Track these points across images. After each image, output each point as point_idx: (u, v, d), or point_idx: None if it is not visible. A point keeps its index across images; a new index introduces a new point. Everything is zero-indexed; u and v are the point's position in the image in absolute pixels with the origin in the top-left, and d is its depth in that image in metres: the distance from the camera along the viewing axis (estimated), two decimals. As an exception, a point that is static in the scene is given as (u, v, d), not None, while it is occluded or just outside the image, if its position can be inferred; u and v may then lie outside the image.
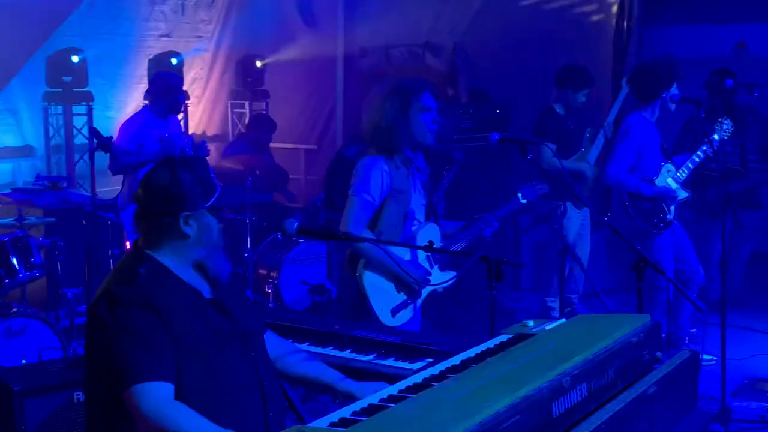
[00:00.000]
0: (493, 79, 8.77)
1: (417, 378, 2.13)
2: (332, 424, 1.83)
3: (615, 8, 8.20)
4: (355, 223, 3.66)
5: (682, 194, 5.47)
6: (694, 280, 5.57)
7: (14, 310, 4.87)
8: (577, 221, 6.37)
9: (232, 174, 6.71)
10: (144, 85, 8.78)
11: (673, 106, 5.47)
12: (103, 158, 5.78)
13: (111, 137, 5.59)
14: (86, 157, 7.19)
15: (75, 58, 8.13)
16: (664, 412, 2.18)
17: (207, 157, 6.14)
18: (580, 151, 6.34)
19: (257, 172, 6.72)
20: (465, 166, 5.15)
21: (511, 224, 7.70)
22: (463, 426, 1.62)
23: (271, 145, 8.32)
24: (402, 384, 2.09)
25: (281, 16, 9.66)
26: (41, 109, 8.37)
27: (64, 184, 7.30)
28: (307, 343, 3.17)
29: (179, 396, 2.31)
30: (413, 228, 3.86)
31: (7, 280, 4.96)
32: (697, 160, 5.48)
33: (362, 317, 3.73)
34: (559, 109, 6.34)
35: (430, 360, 2.87)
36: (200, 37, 9.64)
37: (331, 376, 2.69)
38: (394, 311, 3.77)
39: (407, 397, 1.98)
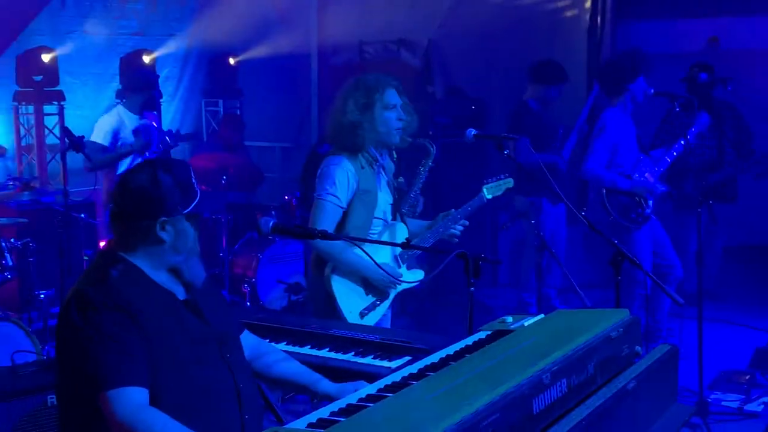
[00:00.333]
0: (468, 76, 8.78)
1: (395, 377, 2.10)
2: (310, 425, 1.80)
3: (588, 4, 8.23)
4: (323, 226, 3.54)
5: (660, 188, 5.49)
6: (672, 274, 5.60)
7: (-14, 312, 4.79)
8: (553, 216, 6.39)
9: (207, 173, 6.65)
10: (116, 84, 8.69)
11: (641, 99, 5.49)
12: (75, 158, 5.70)
13: (83, 136, 5.52)
14: (58, 157, 7.10)
15: (46, 57, 8.03)
16: (645, 406, 2.17)
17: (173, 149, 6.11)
18: (554, 147, 6.35)
19: (231, 171, 6.66)
20: (441, 163, 5.13)
21: (489, 221, 7.71)
22: (442, 425, 1.60)
23: (246, 143, 8.27)
24: (380, 383, 2.06)
25: (254, 13, 9.59)
26: (12, 108, 8.26)
27: (36, 185, 7.20)
28: (284, 343, 3.14)
29: (153, 399, 2.27)
30: (381, 228, 3.80)
31: (-23, 283, 4.88)
32: (675, 154, 5.50)
33: (331, 319, 3.69)
34: (533, 104, 6.35)
35: (409, 358, 2.85)
36: (173, 34, 9.55)
37: (309, 376, 2.66)
38: (363, 313, 3.73)
39: (386, 397, 1.96)
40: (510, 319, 2.43)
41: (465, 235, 4.23)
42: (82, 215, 6.08)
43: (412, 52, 9.19)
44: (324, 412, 1.90)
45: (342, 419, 1.78)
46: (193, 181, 2.48)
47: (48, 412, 3.35)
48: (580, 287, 4.82)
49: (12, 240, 5.51)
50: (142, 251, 2.42)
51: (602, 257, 7.70)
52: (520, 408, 1.77)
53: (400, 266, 3.88)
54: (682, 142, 5.43)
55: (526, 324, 2.37)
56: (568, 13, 8.50)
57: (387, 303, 3.85)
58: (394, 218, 3.90)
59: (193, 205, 2.43)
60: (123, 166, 5.89)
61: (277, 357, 2.77)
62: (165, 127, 8.96)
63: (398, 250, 3.85)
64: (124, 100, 6.15)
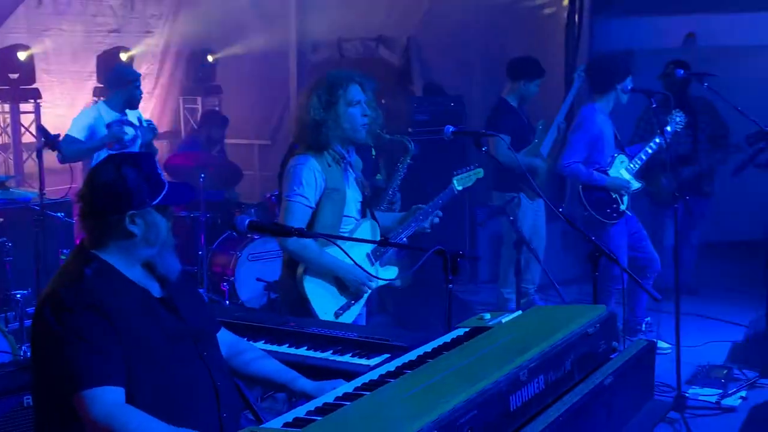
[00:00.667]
0: (447, 73, 8.79)
1: (373, 375, 2.10)
2: (286, 424, 1.80)
3: (566, 1, 8.25)
4: None
5: (636, 185, 5.52)
6: (651, 268, 5.63)
7: (-39, 313, 4.75)
8: (531, 213, 6.40)
9: (185, 171, 6.60)
10: (93, 82, 8.63)
11: (625, 98, 5.52)
12: (51, 157, 5.66)
13: (59, 135, 5.47)
14: (34, 155, 7.04)
15: (22, 55, 7.95)
16: (622, 402, 2.18)
17: (154, 142, 6.07)
18: (533, 143, 6.36)
19: (210, 169, 6.62)
20: (420, 160, 5.13)
21: (467, 217, 7.72)
22: (419, 423, 1.59)
23: (225, 141, 8.23)
24: (357, 381, 2.06)
25: (232, 10, 9.55)
26: (-13, 107, 8.19)
27: (12, 184, 7.13)
28: (263, 341, 3.13)
29: (130, 399, 2.25)
30: (351, 226, 3.76)
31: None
32: (650, 151, 5.54)
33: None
34: (512, 100, 6.37)
35: (388, 355, 2.85)
36: (150, 32, 9.50)
37: (286, 375, 2.65)
38: (337, 313, 3.71)
39: (363, 395, 1.96)
40: (488, 315, 2.43)
41: (443, 232, 4.24)
42: (59, 214, 6.03)
43: (391, 49, 9.19)
44: (301, 410, 1.89)
45: (319, 418, 1.78)
46: (159, 172, 2.46)
47: (24, 412, 3.31)
48: (559, 283, 4.86)
49: (-13, 240, 5.47)
50: (114, 247, 2.40)
51: (580, 253, 7.77)
52: (497, 405, 1.77)
53: (373, 264, 3.84)
54: (658, 139, 5.47)
55: (503, 321, 2.37)
56: (547, 11, 8.53)
57: (362, 302, 3.82)
58: (363, 215, 3.86)
59: (161, 195, 2.42)
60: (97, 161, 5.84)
61: (255, 355, 2.76)
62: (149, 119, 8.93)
63: (371, 247, 3.83)
64: (104, 98, 6.08)
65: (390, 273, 3.94)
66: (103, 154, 5.76)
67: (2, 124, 8.33)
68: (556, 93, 7.57)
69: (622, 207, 5.46)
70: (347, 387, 2.05)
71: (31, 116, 8.26)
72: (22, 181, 7.96)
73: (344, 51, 9.37)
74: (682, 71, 5.38)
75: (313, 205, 3.64)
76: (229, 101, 9.71)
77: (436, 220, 4.06)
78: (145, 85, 9.45)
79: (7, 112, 8.31)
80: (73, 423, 2.24)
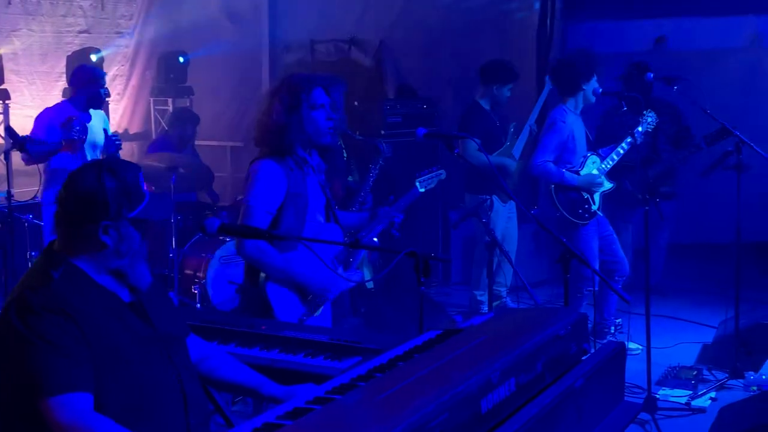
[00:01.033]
0: (419, 76, 8.80)
1: (344, 378, 2.08)
2: (255, 430, 1.78)
3: (538, 5, 8.29)
4: None
5: (607, 185, 5.56)
6: (619, 271, 5.67)
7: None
8: (503, 215, 6.43)
9: (156, 173, 6.55)
10: (62, 83, 8.54)
11: (594, 99, 5.55)
12: (19, 158, 5.59)
13: (27, 137, 5.41)
14: (2, 157, 6.95)
15: (-11, 56, 7.86)
16: (593, 404, 2.18)
17: (120, 152, 6.01)
18: (504, 146, 6.39)
19: (181, 171, 6.57)
20: (392, 162, 5.13)
21: (440, 220, 7.73)
22: (390, 426, 1.58)
23: (196, 142, 8.17)
24: (328, 385, 2.05)
25: (204, 11, 9.50)
26: (-45, 107, 8.07)
27: (-21, 186, 7.04)
28: (233, 345, 3.09)
29: (97, 404, 2.22)
30: (314, 231, 3.69)
31: None
32: (622, 151, 5.57)
33: None
34: (484, 104, 6.39)
35: (360, 358, 2.83)
36: (121, 32, 9.42)
37: (255, 379, 2.63)
38: (302, 320, 3.65)
39: (333, 399, 1.94)
40: (460, 318, 2.43)
41: (416, 234, 4.24)
42: (27, 216, 5.96)
43: (364, 51, 9.18)
44: (270, 415, 1.87)
45: (289, 423, 1.76)
46: (141, 184, 2.42)
47: (-10, 418, 3.26)
48: (531, 285, 4.86)
49: (-46, 242, 5.40)
50: (84, 254, 2.36)
51: (552, 255, 7.81)
52: (468, 408, 1.77)
53: (337, 266, 3.78)
54: (629, 140, 5.50)
55: (475, 323, 2.36)
56: (518, 15, 8.57)
57: (327, 307, 3.77)
58: (327, 219, 3.81)
59: (139, 209, 2.38)
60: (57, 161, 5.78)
61: (223, 360, 2.73)
62: (113, 126, 8.85)
63: (335, 251, 3.79)
64: (71, 97, 6.02)
65: (355, 276, 3.90)
66: (65, 156, 5.68)
67: (-31, 125, 8.22)
68: (528, 96, 7.60)
69: (594, 207, 5.50)
70: (318, 391, 2.04)
71: (0, 117, 8.16)
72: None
73: (317, 53, 9.35)
74: (651, 74, 5.41)
75: (274, 211, 3.58)
76: (200, 102, 9.63)
77: (397, 221, 4.04)
78: (116, 87, 9.40)
79: (-26, 113, 8.20)
80: (40, 430, 2.20)
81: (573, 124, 5.54)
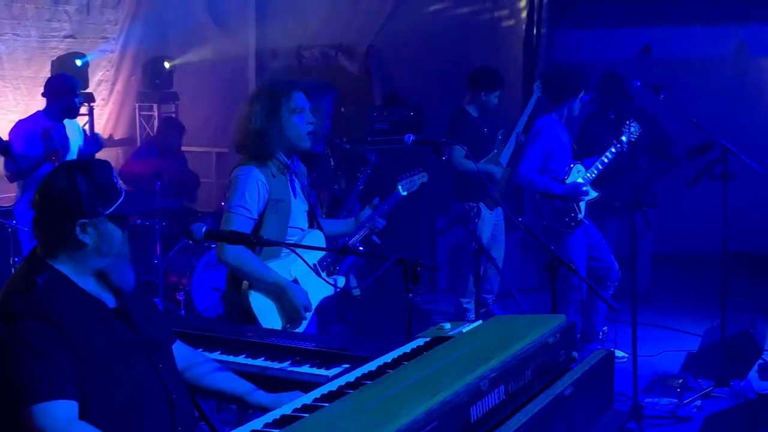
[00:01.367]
0: (407, 82, 8.80)
1: (332, 386, 2.06)
2: (242, 438, 1.75)
3: (525, 13, 8.31)
4: None
5: (593, 194, 5.57)
6: (610, 277, 5.67)
7: None
8: (490, 222, 6.43)
9: (141, 178, 6.51)
10: (47, 88, 8.48)
11: (577, 111, 5.57)
12: (9, 169, 5.53)
13: (11, 141, 5.37)
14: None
15: (-27, 60, 7.80)
16: (582, 412, 2.17)
17: (101, 153, 5.97)
18: (492, 153, 6.39)
19: (166, 177, 6.54)
20: (379, 169, 5.13)
21: (427, 226, 7.72)
22: (379, 435, 1.56)
23: (182, 148, 8.14)
24: (316, 392, 2.02)
25: (190, 17, 9.46)
26: (-63, 112, 8.00)
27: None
28: (219, 352, 3.07)
29: (82, 412, 2.19)
30: (297, 237, 3.68)
31: None
32: (606, 160, 5.59)
33: None
34: (472, 110, 6.39)
35: (347, 366, 2.81)
36: (106, 38, 9.36)
37: (242, 387, 2.60)
38: (285, 327, 3.63)
39: (321, 407, 1.92)
40: (448, 325, 2.42)
41: (403, 241, 4.23)
42: (10, 222, 5.90)
43: (351, 58, 9.18)
44: (257, 423, 1.85)
45: (276, 431, 1.74)
46: (116, 181, 2.40)
47: (-29, 426, 3.22)
48: (518, 292, 4.85)
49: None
50: (65, 256, 2.34)
51: (539, 262, 7.81)
52: (458, 416, 1.75)
53: (319, 274, 3.74)
54: (614, 149, 5.52)
55: (464, 330, 2.35)
56: (506, 23, 8.58)
57: (309, 314, 3.73)
58: (311, 225, 3.78)
59: (116, 205, 2.35)
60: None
61: (210, 367, 2.71)
62: (98, 132, 8.79)
63: (317, 257, 3.77)
64: (45, 108, 5.95)
65: (338, 282, 3.88)
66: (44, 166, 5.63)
67: (-47, 130, 8.15)
68: (515, 104, 7.62)
69: (580, 216, 5.51)
70: (305, 398, 2.01)
71: (-17, 122, 8.09)
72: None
73: (303, 59, 9.34)
74: (638, 82, 5.44)
75: (256, 217, 3.56)
76: (186, 108, 9.60)
77: (379, 226, 4.02)
78: (101, 92, 9.35)
79: (-42, 118, 8.13)
80: (23, 438, 2.17)
81: (559, 133, 5.56)
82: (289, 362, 2.95)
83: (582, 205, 5.53)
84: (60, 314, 2.23)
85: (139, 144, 9.05)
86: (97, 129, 9.08)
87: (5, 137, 5.34)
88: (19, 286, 2.30)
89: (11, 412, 2.16)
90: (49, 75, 8.33)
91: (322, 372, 2.84)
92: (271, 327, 3.58)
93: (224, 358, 3.01)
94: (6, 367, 2.18)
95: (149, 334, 2.44)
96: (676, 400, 4.95)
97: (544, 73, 5.91)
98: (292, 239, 3.65)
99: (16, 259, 5.98)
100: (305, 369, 2.90)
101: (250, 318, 3.58)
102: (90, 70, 8.73)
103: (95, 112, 9.00)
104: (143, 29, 9.43)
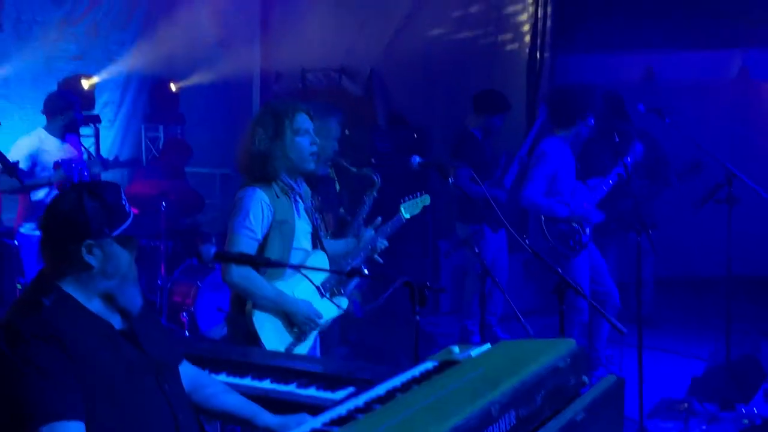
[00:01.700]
0: (410, 104, 8.84)
1: (341, 410, 2.05)
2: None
3: (528, 37, 8.36)
4: None
5: (597, 216, 5.56)
6: (609, 302, 5.65)
7: None
8: (494, 244, 6.42)
9: (146, 199, 6.53)
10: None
11: (585, 133, 5.57)
12: (7, 183, 5.54)
13: (18, 162, 5.38)
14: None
15: (-20, 81, 7.84)
16: (592, 438, 2.16)
17: (107, 173, 5.98)
18: (496, 176, 6.40)
19: (171, 198, 6.55)
20: (382, 191, 5.14)
21: (430, 248, 7.72)
22: (391, 459, 1.56)
23: (187, 169, 8.17)
24: (325, 416, 2.01)
25: (196, 39, 9.52)
26: (-57, 132, 8.02)
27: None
28: (224, 374, 3.06)
29: (89, 433, 2.18)
30: (301, 258, 3.68)
31: None
32: (611, 182, 5.59)
33: None
34: (476, 133, 6.41)
35: (353, 389, 2.80)
36: (113, 59, 9.41)
37: (249, 409, 2.60)
38: (288, 349, 3.64)
39: (331, 431, 1.91)
40: (456, 349, 2.40)
41: (406, 263, 4.22)
42: (15, 242, 5.90)
43: (354, 80, 9.23)
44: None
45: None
46: (124, 203, 2.40)
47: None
48: (521, 314, 4.85)
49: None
50: (72, 278, 2.33)
51: (542, 284, 7.78)
52: (469, 441, 1.75)
53: (323, 296, 3.73)
54: (619, 171, 5.52)
55: (473, 354, 2.34)
56: (509, 46, 8.63)
57: (313, 334, 3.75)
58: (314, 246, 3.79)
59: (123, 227, 2.35)
60: (38, 194, 5.74)
61: (217, 389, 2.71)
62: (104, 153, 8.82)
63: (322, 279, 3.77)
64: (46, 124, 5.97)
65: (341, 303, 3.88)
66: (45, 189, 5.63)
67: (-42, 150, 8.17)
68: (518, 127, 7.65)
69: (585, 239, 5.49)
70: (314, 423, 2.00)
71: (-11, 142, 8.12)
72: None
73: (307, 81, 9.39)
74: (642, 106, 5.44)
75: (260, 238, 3.56)
76: (191, 129, 9.64)
77: (381, 247, 4.03)
78: (107, 113, 9.38)
79: (-37, 138, 8.16)
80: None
81: (562, 155, 5.56)
82: (295, 384, 2.94)
83: (587, 228, 5.53)
84: (66, 335, 2.23)
85: (144, 165, 9.07)
86: (103, 149, 9.11)
87: (11, 157, 5.34)
88: (26, 307, 2.30)
89: (18, 433, 2.16)
90: (56, 97, 8.38)
91: (328, 395, 2.83)
92: (274, 347, 3.58)
93: (230, 379, 3.00)
94: (13, 388, 2.17)
95: (156, 355, 2.44)
96: (682, 425, 4.92)
97: (550, 96, 5.89)
98: (295, 260, 3.65)
99: (21, 280, 5.99)
100: (311, 392, 2.89)
101: (254, 339, 3.57)
102: (96, 91, 8.76)
103: (101, 132, 9.03)
104: (150, 51, 9.48)
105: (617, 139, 5.07)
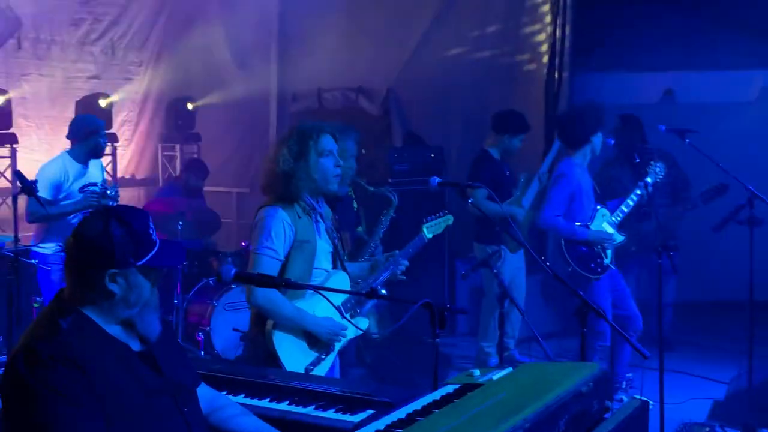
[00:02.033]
0: (426, 124, 8.83)
1: (361, 435, 2.02)
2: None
3: (546, 58, 8.33)
4: None
5: (619, 238, 5.50)
6: (632, 326, 5.57)
7: (-72, 361, 4.60)
8: (512, 265, 6.38)
9: (163, 218, 6.53)
10: (72, 128, 8.56)
11: (599, 150, 5.53)
12: (37, 214, 5.53)
13: (36, 181, 5.37)
14: (9, 201, 6.92)
15: (-1, 99, 7.88)
16: (617, 464, 2.12)
17: (124, 192, 5.95)
18: (514, 196, 6.37)
19: (188, 217, 6.55)
20: (399, 210, 5.12)
21: (447, 269, 7.68)
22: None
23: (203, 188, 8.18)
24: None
25: (213, 59, 9.58)
26: (-38, 151, 8.08)
27: (-15, 229, 7.01)
28: (242, 395, 3.03)
29: (106, 456, 2.15)
30: (322, 278, 3.67)
31: None
32: (632, 203, 5.53)
33: None
34: (494, 153, 6.38)
35: (372, 412, 2.76)
36: (130, 79, 9.48)
37: (267, 432, 2.57)
38: (308, 369, 3.61)
39: (353, 455, 1.88)
40: (477, 372, 2.37)
41: (423, 284, 4.18)
42: (33, 261, 5.90)
43: (371, 99, 9.24)
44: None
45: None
46: (151, 231, 2.36)
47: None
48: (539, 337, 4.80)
49: (-42, 286, 5.33)
50: (92, 303, 2.30)
51: (560, 307, 7.72)
52: (492, 467, 1.71)
53: (343, 316, 3.70)
54: (638, 191, 5.47)
55: (494, 378, 2.30)
56: (526, 66, 8.61)
57: (332, 356, 3.73)
58: (335, 266, 3.78)
59: (149, 257, 2.32)
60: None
61: (235, 411, 2.67)
62: (120, 172, 8.85)
63: (342, 299, 3.75)
64: (70, 149, 5.93)
65: (362, 324, 3.86)
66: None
67: (-23, 169, 8.22)
68: (536, 147, 7.61)
69: (606, 261, 5.43)
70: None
71: (7, 161, 8.16)
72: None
73: (324, 101, 9.41)
74: (663, 126, 5.40)
75: (282, 258, 3.56)
76: (208, 149, 9.67)
77: (402, 268, 4.00)
78: (124, 132, 9.43)
79: (-18, 157, 8.21)
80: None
81: (580, 176, 5.51)
82: (314, 407, 2.91)
83: (609, 250, 5.46)
84: (85, 358, 2.20)
85: (161, 184, 9.10)
86: (120, 168, 9.14)
87: (29, 177, 5.33)
88: (45, 329, 2.27)
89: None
90: (73, 115, 8.41)
91: (347, 417, 2.80)
92: (293, 367, 3.55)
93: (248, 401, 2.97)
94: (31, 412, 2.15)
95: (175, 378, 2.41)
96: (704, 450, 4.85)
97: (558, 119, 5.83)
98: (316, 280, 3.64)
99: (38, 299, 5.98)
100: (330, 414, 2.85)
101: (273, 359, 3.55)
102: (114, 110, 8.81)
103: (118, 152, 9.07)
104: (167, 70, 9.55)
105: (637, 160, 5.01)
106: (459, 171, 7.46)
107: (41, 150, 8.52)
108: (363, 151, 7.79)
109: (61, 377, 2.15)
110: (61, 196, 5.63)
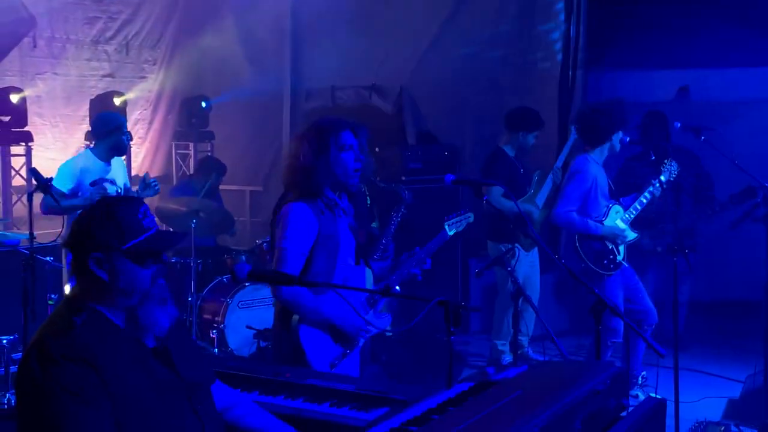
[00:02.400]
0: (440, 122, 8.82)
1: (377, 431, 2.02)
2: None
3: (560, 55, 8.30)
4: None
5: (632, 235, 5.47)
6: (647, 320, 5.55)
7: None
8: (526, 263, 6.36)
9: (177, 216, 6.54)
10: (86, 126, 8.60)
11: (619, 148, 5.50)
12: (52, 207, 5.56)
13: (51, 179, 5.39)
14: (24, 198, 6.96)
15: (14, 98, 7.92)
16: (634, 462, 2.10)
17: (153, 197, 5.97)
18: (528, 193, 6.35)
19: (202, 215, 6.56)
20: (413, 208, 5.11)
21: (460, 267, 7.67)
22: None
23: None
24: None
25: (226, 57, 9.59)
26: (-23, 149, 8.13)
27: (0, 227, 7.05)
28: (257, 393, 3.03)
29: (119, 455, 2.15)
30: (345, 273, 3.66)
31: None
32: (645, 201, 5.50)
33: None
34: (508, 150, 6.36)
35: (387, 409, 2.76)
36: (144, 77, 9.51)
37: (282, 430, 2.56)
38: (333, 364, 3.62)
39: (368, 453, 1.88)
40: (492, 370, 2.36)
41: (436, 282, 4.17)
42: (48, 259, 5.93)
43: (384, 98, 9.23)
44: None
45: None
46: (140, 217, 2.32)
47: (7, 464, 3.21)
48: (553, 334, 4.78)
49: (-26, 283, 5.36)
50: (94, 293, 2.30)
51: (573, 304, 7.69)
52: (508, 465, 1.70)
53: (368, 312, 3.76)
54: (651, 189, 5.44)
55: (509, 376, 2.30)
56: (540, 64, 8.58)
57: (356, 351, 3.74)
58: (357, 262, 3.77)
59: (134, 242, 2.28)
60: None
61: (249, 409, 2.67)
62: (134, 170, 8.87)
63: (366, 294, 3.76)
64: (93, 146, 5.96)
65: (384, 321, 3.87)
66: None
67: (-8, 167, 8.28)
68: (550, 145, 7.58)
69: (619, 258, 5.41)
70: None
71: (22, 159, 8.21)
72: (11, 225, 7.88)
73: (337, 99, 9.40)
74: (678, 123, 5.37)
75: (307, 252, 3.55)
76: (221, 147, 9.69)
77: (427, 266, 4.00)
78: (138, 130, 9.47)
79: (-3, 155, 8.26)
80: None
81: (596, 173, 5.48)
82: (328, 404, 2.91)
83: (621, 247, 5.44)
84: (97, 356, 2.19)
85: (175, 182, 9.12)
86: (134, 166, 9.17)
87: (44, 174, 5.35)
88: (57, 326, 2.27)
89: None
90: (87, 113, 8.45)
91: (362, 415, 2.79)
92: (319, 362, 3.56)
93: (262, 399, 2.97)
94: (43, 408, 2.15)
95: (189, 375, 2.40)
96: (719, 449, 4.82)
97: (579, 115, 5.78)
98: (339, 276, 3.64)
99: (53, 296, 6.02)
100: (344, 412, 2.85)
101: (299, 353, 3.56)
102: (128, 108, 8.84)
103: (132, 150, 9.10)
104: (180, 69, 9.57)
105: (653, 157, 4.99)
106: (472, 169, 7.44)
107: (56, 148, 8.58)
108: (376, 149, 7.81)
109: (72, 376, 2.15)
110: (80, 192, 5.65)
